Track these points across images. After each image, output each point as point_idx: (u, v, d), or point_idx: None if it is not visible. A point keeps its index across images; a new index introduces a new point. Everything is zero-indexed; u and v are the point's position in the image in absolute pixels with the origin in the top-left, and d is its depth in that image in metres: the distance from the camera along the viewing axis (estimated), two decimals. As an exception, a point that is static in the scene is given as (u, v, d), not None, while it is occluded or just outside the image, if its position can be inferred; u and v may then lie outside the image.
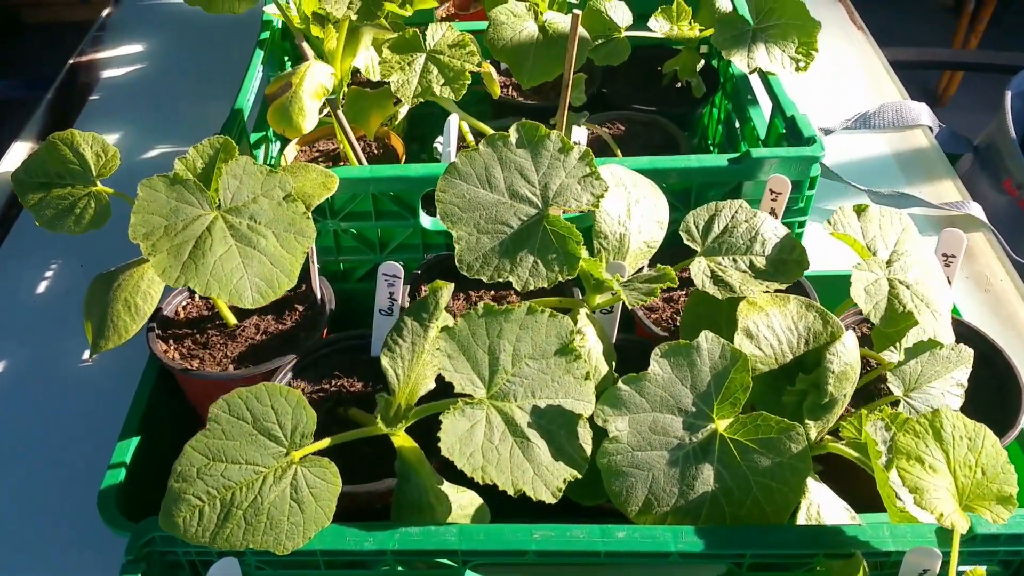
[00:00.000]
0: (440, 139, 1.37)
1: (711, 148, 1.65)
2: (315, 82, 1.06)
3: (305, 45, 1.07)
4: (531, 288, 0.92)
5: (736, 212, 1.01)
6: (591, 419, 0.84)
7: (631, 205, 1.06)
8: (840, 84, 1.91)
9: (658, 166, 1.16)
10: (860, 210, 1.01)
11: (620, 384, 0.82)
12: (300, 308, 1.16)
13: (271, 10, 1.43)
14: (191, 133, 1.81)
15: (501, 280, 0.92)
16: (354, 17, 1.04)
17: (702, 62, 1.47)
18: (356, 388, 1.07)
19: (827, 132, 1.73)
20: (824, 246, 1.19)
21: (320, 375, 1.08)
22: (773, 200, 1.14)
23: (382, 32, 1.16)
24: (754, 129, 1.38)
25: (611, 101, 1.57)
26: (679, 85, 1.55)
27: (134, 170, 1.73)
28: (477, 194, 0.95)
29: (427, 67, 1.13)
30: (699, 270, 0.98)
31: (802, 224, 1.23)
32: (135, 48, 2.11)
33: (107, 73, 2.02)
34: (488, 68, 1.27)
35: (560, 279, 0.92)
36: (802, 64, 1.33)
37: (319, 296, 1.16)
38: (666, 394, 0.83)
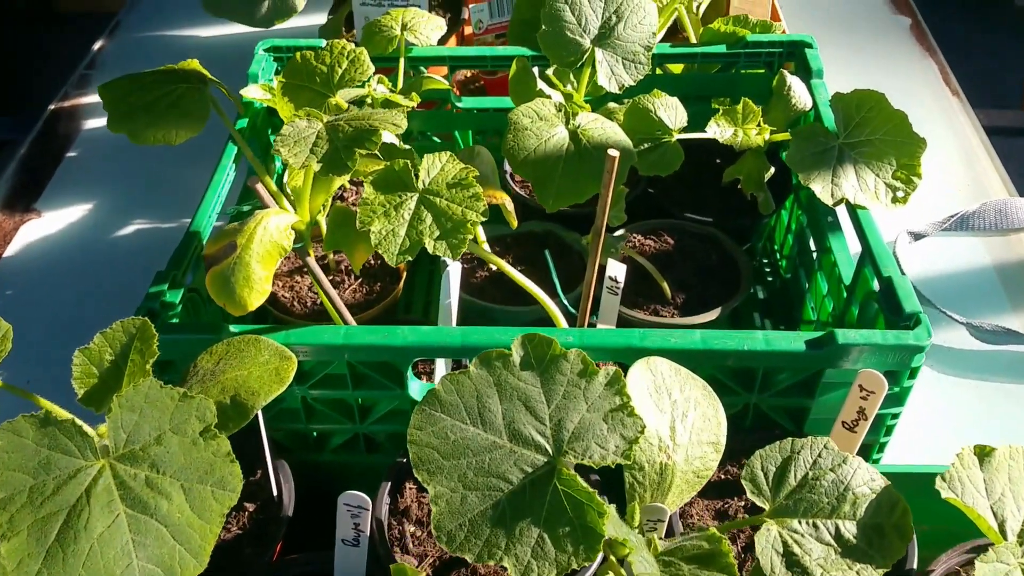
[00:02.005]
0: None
1: (778, 257, 1.38)
2: (269, 241, 0.81)
3: (260, 187, 0.82)
4: (532, 576, 0.67)
5: (819, 456, 0.74)
6: None
7: (676, 421, 0.80)
8: (930, 167, 1.61)
9: (713, 346, 0.89)
10: (984, 454, 0.74)
11: None
12: (251, 508, 0.92)
13: (250, 92, 1.18)
14: (171, 206, 1.58)
15: (492, 563, 0.67)
16: (317, 167, 0.79)
17: (772, 170, 1.20)
18: (309, 640, 0.83)
19: (917, 237, 1.45)
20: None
21: (265, 615, 0.84)
22: (863, 399, 0.87)
23: (365, 160, 0.91)
24: (835, 266, 1.10)
25: (658, 204, 1.30)
26: (741, 186, 1.27)
27: (101, 252, 1.51)
28: (465, 434, 0.70)
29: (419, 212, 0.88)
30: (767, 543, 0.71)
31: (896, 416, 0.96)
32: (124, 93, 1.88)
33: (89, 123, 1.79)
34: (503, 198, 1.01)
35: (575, 565, 0.67)
36: (901, 195, 1.05)
37: (275, 491, 0.92)
38: None
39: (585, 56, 1.13)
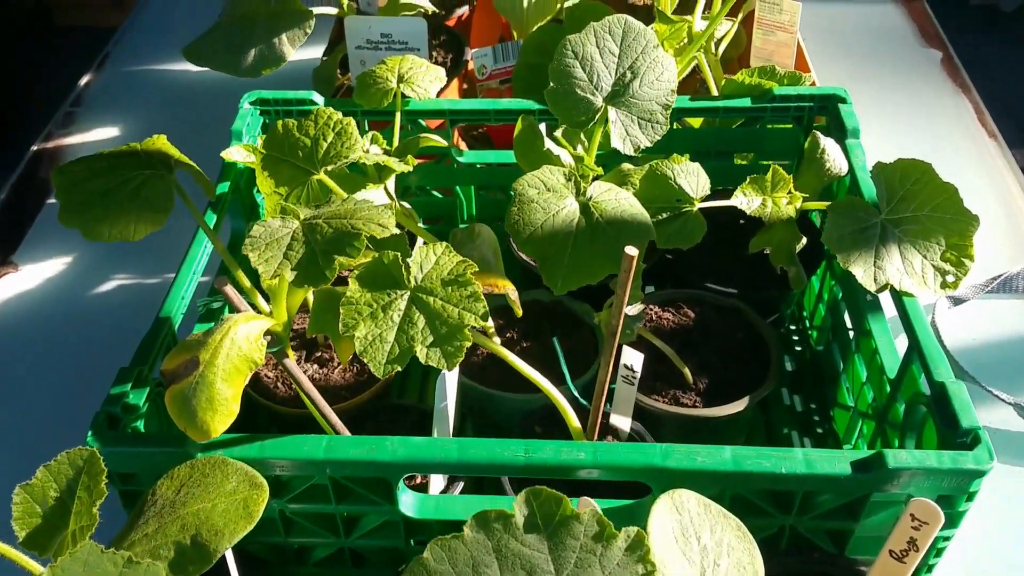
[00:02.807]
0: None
1: (808, 326, 1.27)
2: (237, 356, 0.71)
3: (228, 290, 0.72)
4: None
5: (875, 626, 0.63)
6: None
7: (706, 572, 0.69)
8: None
9: (746, 468, 0.78)
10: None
11: None
12: (220, 644, 0.82)
13: (232, 154, 1.08)
14: (156, 260, 1.48)
15: None
16: (290, 278, 0.68)
17: (803, 241, 1.08)
18: None
19: (957, 302, 1.34)
20: None
21: None
22: (915, 529, 0.76)
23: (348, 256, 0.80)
24: (876, 353, 0.99)
25: (678, 271, 1.19)
26: (769, 256, 1.16)
27: (82, 309, 1.41)
28: (458, 610, 0.59)
29: (410, 314, 0.77)
30: None
31: (947, 538, 0.85)
32: (109, 132, 1.78)
33: (71, 167, 1.69)
34: (506, 287, 0.90)
35: None
36: (951, 279, 0.94)
37: (248, 625, 0.82)
38: None
39: (597, 116, 1.02)
